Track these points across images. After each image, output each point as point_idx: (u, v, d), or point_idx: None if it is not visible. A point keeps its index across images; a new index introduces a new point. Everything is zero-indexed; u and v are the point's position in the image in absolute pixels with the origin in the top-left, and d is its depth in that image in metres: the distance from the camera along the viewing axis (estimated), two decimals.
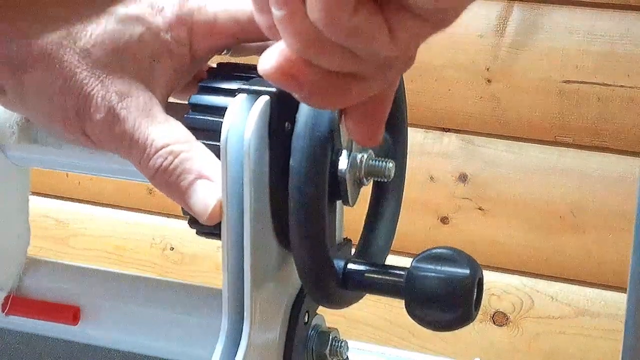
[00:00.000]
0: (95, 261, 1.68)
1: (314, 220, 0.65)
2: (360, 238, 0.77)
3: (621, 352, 1.04)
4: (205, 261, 1.63)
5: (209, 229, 0.70)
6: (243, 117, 0.66)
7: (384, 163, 0.70)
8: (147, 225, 1.66)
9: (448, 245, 0.68)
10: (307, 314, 0.75)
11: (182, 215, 0.70)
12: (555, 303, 1.46)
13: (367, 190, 0.77)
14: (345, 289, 0.70)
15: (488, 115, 1.44)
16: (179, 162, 0.60)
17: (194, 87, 0.63)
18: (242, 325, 0.68)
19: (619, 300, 1.42)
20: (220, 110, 0.67)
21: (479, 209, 1.47)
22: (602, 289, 1.44)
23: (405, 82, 0.78)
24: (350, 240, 0.77)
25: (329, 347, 0.76)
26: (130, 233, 1.67)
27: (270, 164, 0.67)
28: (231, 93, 0.68)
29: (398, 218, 0.79)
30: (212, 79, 0.70)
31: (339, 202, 0.74)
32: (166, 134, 0.61)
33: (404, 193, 0.79)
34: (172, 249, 1.64)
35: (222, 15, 0.63)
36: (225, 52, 0.67)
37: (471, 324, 0.67)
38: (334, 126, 0.68)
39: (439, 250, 0.67)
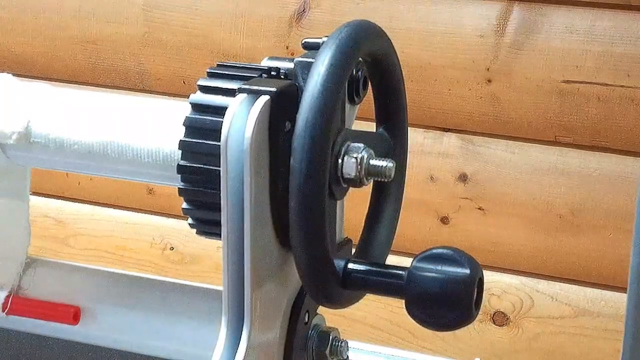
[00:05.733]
0: (95, 261, 1.68)
1: (314, 219, 0.65)
2: (361, 238, 0.77)
3: (621, 352, 1.04)
4: (205, 261, 1.63)
5: (209, 229, 0.70)
6: (243, 116, 0.66)
7: (384, 163, 0.70)
8: (147, 225, 1.66)
9: (448, 245, 0.68)
10: (307, 314, 0.75)
11: (182, 215, 0.70)
12: (555, 303, 1.46)
13: (367, 190, 0.77)
14: (345, 288, 0.70)
15: (488, 115, 1.44)
16: None
17: None
18: (242, 325, 0.68)
19: (619, 300, 1.42)
20: (221, 110, 0.67)
21: (479, 209, 1.47)
22: (602, 289, 1.44)
23: (405, 82, 0.78)
24: (351, 240, 0.77)
25: (329, 347, 0.76)
26: (130, 233, 1.67)
27: (270, 163, 0.67)
28: (231, 93, 0.68)
29: (398, 218, 0.79)
30: (212, 78, 0.70)
31: (339, 202, 0.74)
32: None
33: (404, 193, 0.79)
34: (172, 249, 1.64)
35: None
36: None
37: (471, 324, 0.67)
38: (334, 126, 0.68)
39: (439, 250, 0.67)
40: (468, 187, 1.47)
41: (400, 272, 0.69)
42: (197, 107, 0.69)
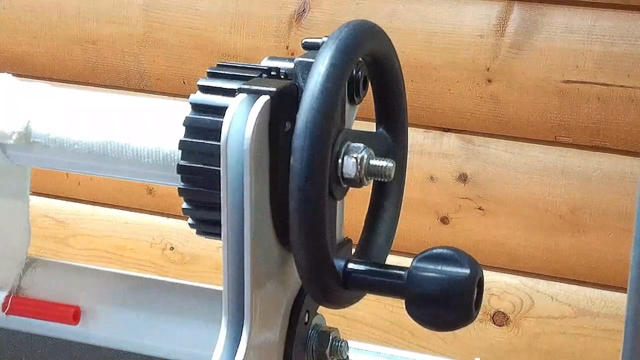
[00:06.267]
0: (95, 261, 1.68)
1: (314, 219, 0.65)
2: (361, 238, 0.77)
3: (621, 352, 1.04)
4: (205, 261, 1.63)
5: (209, 229, 0.70)
6: (243, 116, 0.66)
7: (384, 163, 0.70)
8: (147, 225, 1.66)
9: (448, 245, 0.68)
10: (307, 314, 0.75)
11: (182, 215, 0.70)
12: (555, 303, 1.46)
13: (367, 190, 0.77)
14: (345, 288, 0.70)
15: (488, 115, 1.44)
16: None
17: None
18: (242, 325, 0.68)
19: (619, 300, 1.42)
20: (221, 110, 0.67)
21: (479, 209, 1.47)
22: (602, 289, 1.44)
23: (405, 82, 0.78)
24: (351, 240, 0.77)
25: (329, 347, 0.76)
26: (130, 233, 1.67)
27: (270, 163, 0.67)
28: (231, 93, 0.68)
29: (398, 218, 0.79)
30: (212, 78, 0.70)
31: (339, 202, 0.74)
32: None
33: (404, 193, 0.79)
34: (172, 249, 1.64)
35: None
36: None
37: (471, 324, 0.67)
38: (334, 126, 0.68)
39: (439, 250, 0.67)
40: (468, 187, 1.47)
41: (400, 272, 0.69)
42: (197, 107, 0.69)
